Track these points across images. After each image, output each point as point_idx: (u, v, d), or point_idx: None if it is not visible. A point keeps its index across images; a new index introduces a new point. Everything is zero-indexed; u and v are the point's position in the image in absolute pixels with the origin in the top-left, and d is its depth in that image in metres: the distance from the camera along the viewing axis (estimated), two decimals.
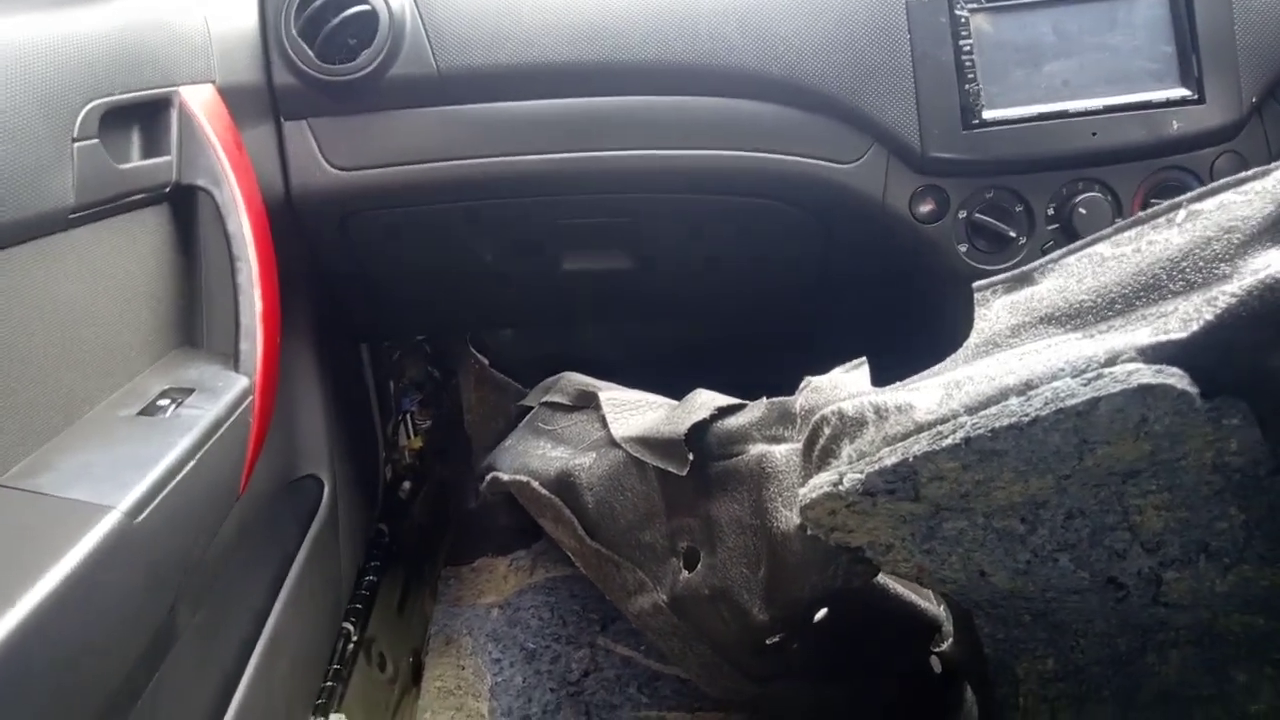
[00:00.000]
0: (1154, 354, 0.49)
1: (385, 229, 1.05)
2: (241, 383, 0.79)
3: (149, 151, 0.80)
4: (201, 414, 0.72)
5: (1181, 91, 0.94)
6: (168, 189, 0.81)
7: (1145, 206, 0.96)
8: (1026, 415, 0.50)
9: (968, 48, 0.93)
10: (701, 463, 0.76)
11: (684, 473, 0.75)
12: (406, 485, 1.39)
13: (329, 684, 0.99)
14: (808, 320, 1.19)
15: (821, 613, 0.78)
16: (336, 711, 0.97)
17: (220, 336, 0.85)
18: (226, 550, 0.83)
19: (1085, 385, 0.49)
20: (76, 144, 0.69)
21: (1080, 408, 0.49)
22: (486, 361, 1.30)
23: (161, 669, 0.70)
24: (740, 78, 0.96)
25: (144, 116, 0.79)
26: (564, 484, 0.88)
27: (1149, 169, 0.95)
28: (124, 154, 0.77)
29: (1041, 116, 0.94)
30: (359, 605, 1.12)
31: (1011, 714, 0.72)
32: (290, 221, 1.00)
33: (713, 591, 0.74)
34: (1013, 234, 0.96)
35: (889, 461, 0.54)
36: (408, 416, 1.44)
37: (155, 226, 0.81)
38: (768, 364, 0.96)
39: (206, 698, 0.76)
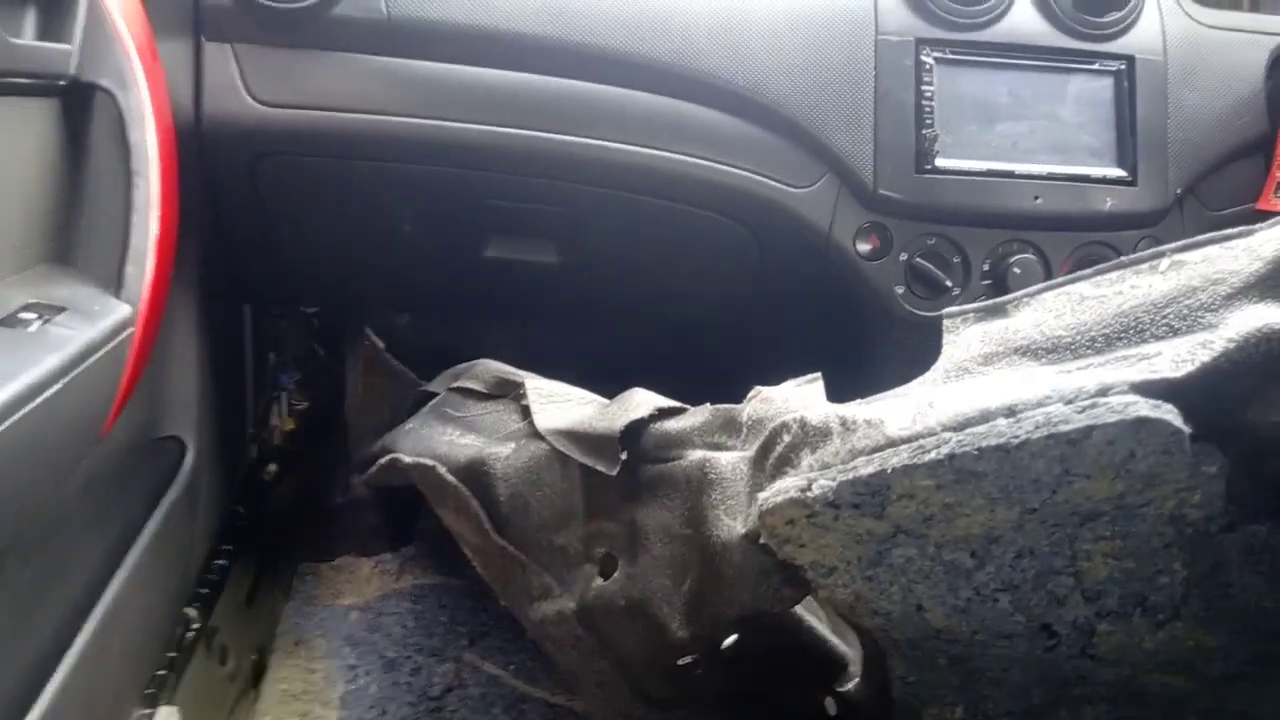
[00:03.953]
0: (1145, 390, 0.48)
1: (300, 178, 0.96)
2: (123, 310, 0.69)
3: (46, 35, 0.69)
4: (73, 335, 0.62)
5: (1118, 171, 0.97)
6: (63, 82, 0.71)
7: None
8: (1016, 437, 0.48)
9: (929, 94, 0.94)
10: (633, 464, 0.71)
11: (614, 472, 0.70)
12: (272, 468, 1.27)
13: (162, 672, 0.87)
14: (733, 345, 1.17)
15: (730, 639, 0.74)
16: (169, 704, 0.85)
17: (100, 259, 0.74)
18: (70, 502, 0.72)
19: (1080, 413, 0.47)
20: None
21: (1073, 435, 0.47)
22: (382, 345, 1.22)
23: None
24: (704, 83, 0.93)
25: None
26: (475, 472, 0.81)
27: (1079, 241, 0.99)
28: (15, 29, 0.66)
29: (990, 173, 0.96)
30: (205, 590, 1.00)
31: None
32: (195, 153, 0.91)
33: (629, 603, 0.69)
34: (949, 283, 0.96)
35: (864, 472, 0.51)
36: (283, 395, 1.32)
37: (41, 121, 0.71)
38: (686, 385, 0.92)
39: (23, 668, 0.64)
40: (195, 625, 0.94)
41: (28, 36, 0.68)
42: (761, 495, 0.55)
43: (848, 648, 0.79)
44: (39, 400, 0.55)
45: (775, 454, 0.59)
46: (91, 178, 0.75)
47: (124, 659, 0.78)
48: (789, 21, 0.94)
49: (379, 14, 0.89)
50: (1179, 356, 0.49)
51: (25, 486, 0.57)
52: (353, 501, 1.38)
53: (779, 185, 0.95)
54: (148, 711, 0.81)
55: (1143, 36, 0.98)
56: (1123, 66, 0.98)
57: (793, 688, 0.80)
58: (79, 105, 0.73)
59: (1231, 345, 0.47)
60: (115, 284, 0.71)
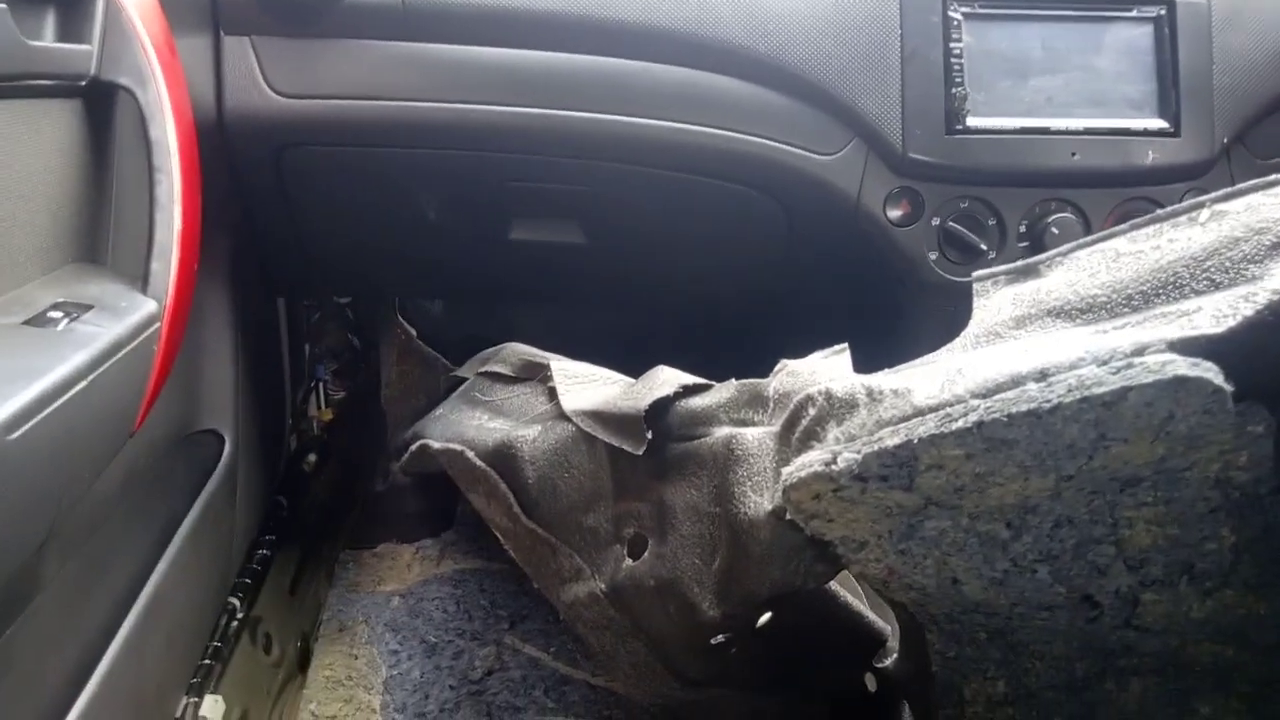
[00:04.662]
0: (1184, 348, 0.46)
1: (324, 169, 0.96)
2: (149, 306, 0.69)
3: (66, 36, 0.70)
4: (100, 332, 0.62)
5: (1160, 123, 0.93)
6: (84, 83, 0.71)
7: None
8: (1048, 401, 0.46)
9: (958, 51, 0.91)
10: (659, 443, 0.70)
11: (640, 452, 0.69)
12: (311, 458, 1.28)
13: (207, 662, 0.89)
14: (763, 317, 1.15)
15: (765, 617, 0.73)
16: (213, 693, 0.87)
17: (128, 256, 0.75)
18: (109, 498, 0.73)
19: (1114, 374, 0.45)
20: None
21: (1107, 397, 0.45)
22: (414, 333, 1.22)
23: (18, 621, 0.60)
24: (724, 52, 0.91)
25: None
26: (503, 456, 0.81)
27: (1120, 197, 0.95)
28: (36, 32, 0.67)
29: (1024, 130, 0.92)
30: (248, 580, 1.01)
31: None
32: (219, 147, 0.91)
33: (659, 582, 0.68)
34: (983, 246, 0.94)
35: (890, 443, 0.49)
36: (320, 385, 1.34)
37: (64, 122, 0.71)
38: (717, 359, 0.91)
39: (68, 662, 0.66)
40: (239, 615, 0.96)
41: (47, 38, 0.68)
42: (785, 470, 0.53)
43: (885, 623, 0.78)
44: (67, 397, 0.56)
45: (801, 427, 0.57)
46: (115, 176, 0.76)
47: (168, 650, 0.80)
48: None
49: None
50: (1220, 311, 0.46)
51: (58, 482, 0.58)
52: (392, 489, 1.39)
53: (805, 153, 0.93)
54: (194, 701, 0.83)
55: None
56: (1162, 12, 0.93)
57: (830, 665, 0.79)
58: (100, 104, 0.74)
59: (1276, 297, 0.45)
60: (141, 280, 0.72)
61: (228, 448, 0.96)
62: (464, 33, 0.90)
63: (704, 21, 0.90)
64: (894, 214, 0.94)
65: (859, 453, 0.50)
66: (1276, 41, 0.95)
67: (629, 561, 0.72)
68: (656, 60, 0.92)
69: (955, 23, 0.91)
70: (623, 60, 0.92)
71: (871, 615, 0.78)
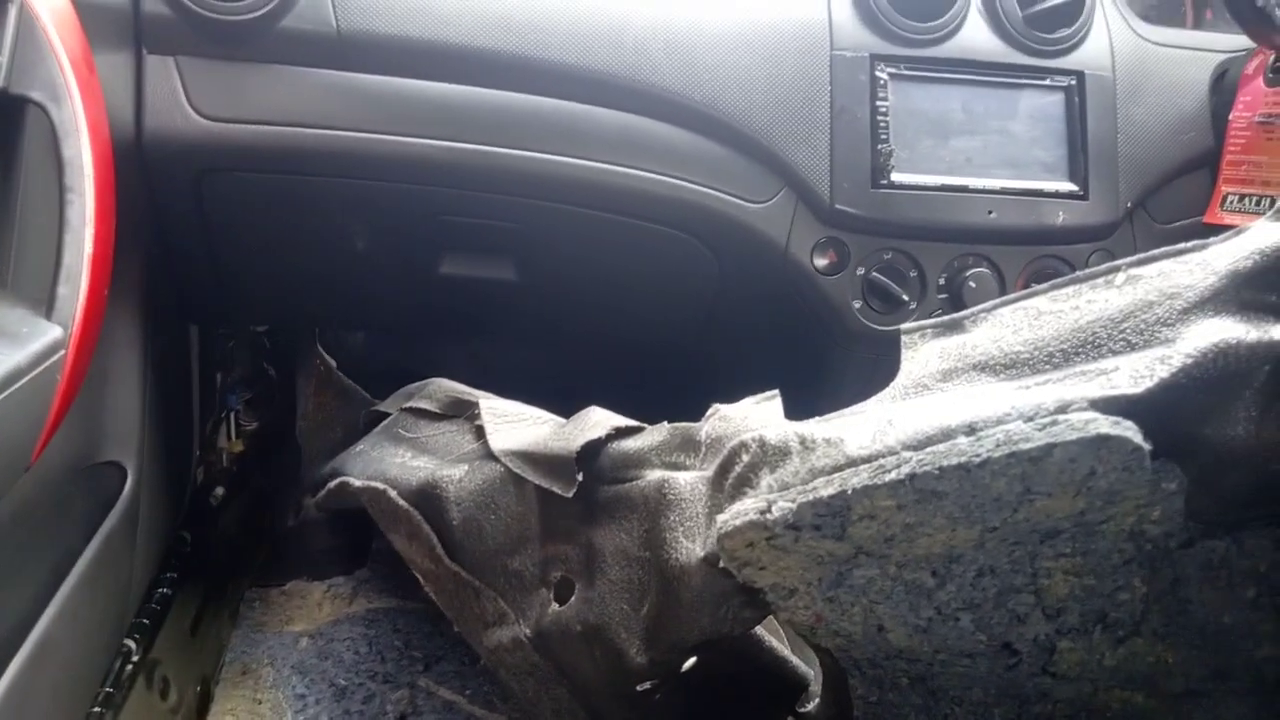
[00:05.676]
0: (1105, 407, 0.48)
1: (247, 195, 0.93)
2: (53, 333, 0.66)
3: None
4: None
5: (1070, 185, 0.98)
6: None
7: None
8: (977, 456, 0.47)
9: (884, 110, 0.95)
10: (590, 486, 0.69)
11: (570, 494, 0.69)
12: (219, 491, 1.23)
13: (97, 710, 0.83)
14: (694, 360, 1.16)
15: (690, 662, 0.72)
16: None
17: (32, 280, 0.71)
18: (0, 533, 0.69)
19: (1040, 430, 0.47)
20: None
21: (1034, 453, 0.46)
22: (333, 363, 1.19)
23: None
24: (659, 98, 0.92)
25: None
26: (427, 496, 0.79)
27: (1032, 254, 0.99)
28: None
29: (945, 188, 0.96)
30: (146, 620, 0.96)
31: None
32: (136, 169, 0.88)
33: (586, 628, 0.67)
34: (905, 297, 0.96)
35: (824, 493, 0.50)
36: (231, 415, 1.29)
37: None
38: (647, 400, 0.91)
39: None
40: (134, 658, 0.90)
41: None
42: (720, 518, 0.53)
43: (808, 668, 0.78)
44: None
45: (734, 474, 0.58)
46: (22, 195, 0.72)
47: (55, 697, 0.75)
48: (744, 38, 0.94)
49: (328, 27, 0.87)
50: (1137, 372, 0.49)
51: None
52: (304, 524, 1.34)
53: (736, 200, 0.95)
54: None
55: (1092, 53, 1.00)
56: (1073, 82, 0.99)
57: (753, 709, 0.79)
58: (9, 119, 0.71)
59: (1190, 360, 0.47)
60: (46, 305, 0.68)
61: (130, 481, 0.91)
62: (401, 65, 0.89)
63: (640, 68, 0.91)
64: (820, 262, 0.97)
65: (794, 502, 0.50)
66: (1173, 116, 1.01)
67: (555, 606, 0.71)
68: (593, 103, 0.92)
69: (882, 82, 0.95)
70: (561, 101, 0.92)
71: (795, 660, 0.78)
